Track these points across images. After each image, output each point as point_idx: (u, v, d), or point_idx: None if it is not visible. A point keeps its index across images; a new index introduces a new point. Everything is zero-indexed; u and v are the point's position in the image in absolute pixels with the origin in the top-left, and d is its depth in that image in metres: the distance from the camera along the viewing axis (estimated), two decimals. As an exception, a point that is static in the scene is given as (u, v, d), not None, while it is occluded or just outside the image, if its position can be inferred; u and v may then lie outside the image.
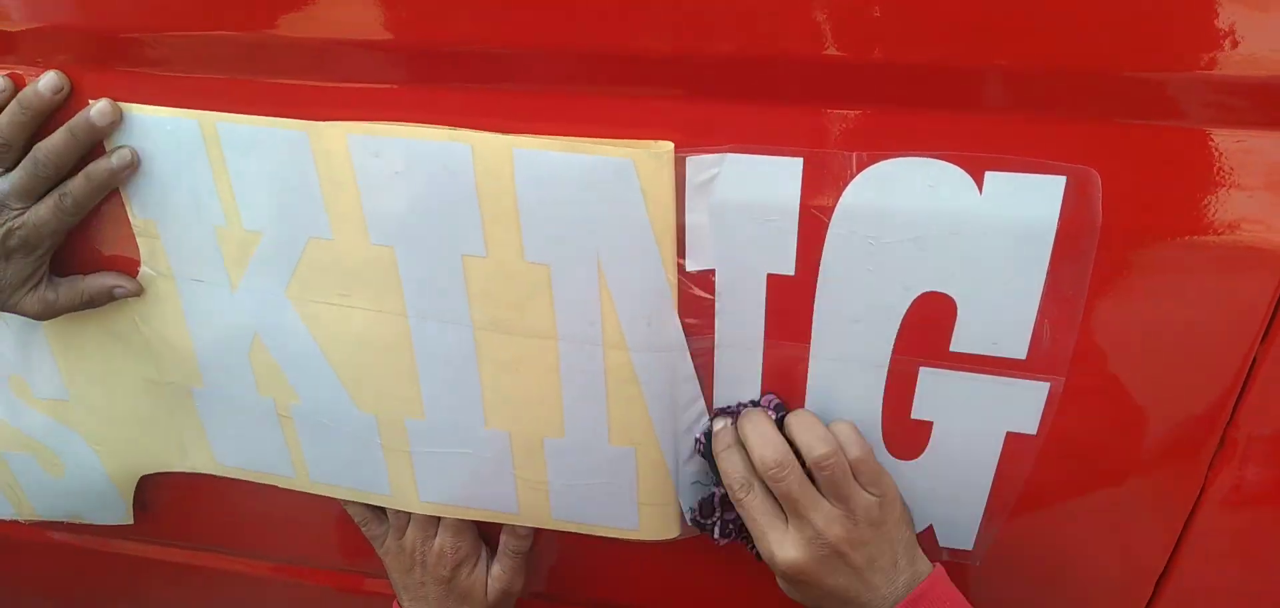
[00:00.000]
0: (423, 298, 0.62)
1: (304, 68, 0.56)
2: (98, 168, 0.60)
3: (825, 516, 0.58)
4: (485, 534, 0.75)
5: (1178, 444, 0.58)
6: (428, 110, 0.56)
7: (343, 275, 0.62)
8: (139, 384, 0.72)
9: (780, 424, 0.60)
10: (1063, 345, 0.54)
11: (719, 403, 0.63)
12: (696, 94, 0.53)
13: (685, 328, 0.60)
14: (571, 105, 0.54)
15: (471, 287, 0.60)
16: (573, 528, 0.71)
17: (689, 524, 0.68)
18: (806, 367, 0.60)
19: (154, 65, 0.59)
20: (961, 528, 0.65)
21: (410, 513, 0.73)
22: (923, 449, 0.61)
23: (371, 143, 0.56)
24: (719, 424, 0.62)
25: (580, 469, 0.67)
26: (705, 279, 0.58)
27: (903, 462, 0.62)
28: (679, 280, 0.58)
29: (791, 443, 0.59)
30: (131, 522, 0.82)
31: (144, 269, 0.66)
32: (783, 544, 0.59)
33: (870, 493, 0.58)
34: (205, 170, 0.60)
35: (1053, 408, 0.57)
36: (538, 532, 0.74)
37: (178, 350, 0.69)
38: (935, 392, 0.58)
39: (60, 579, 0.97)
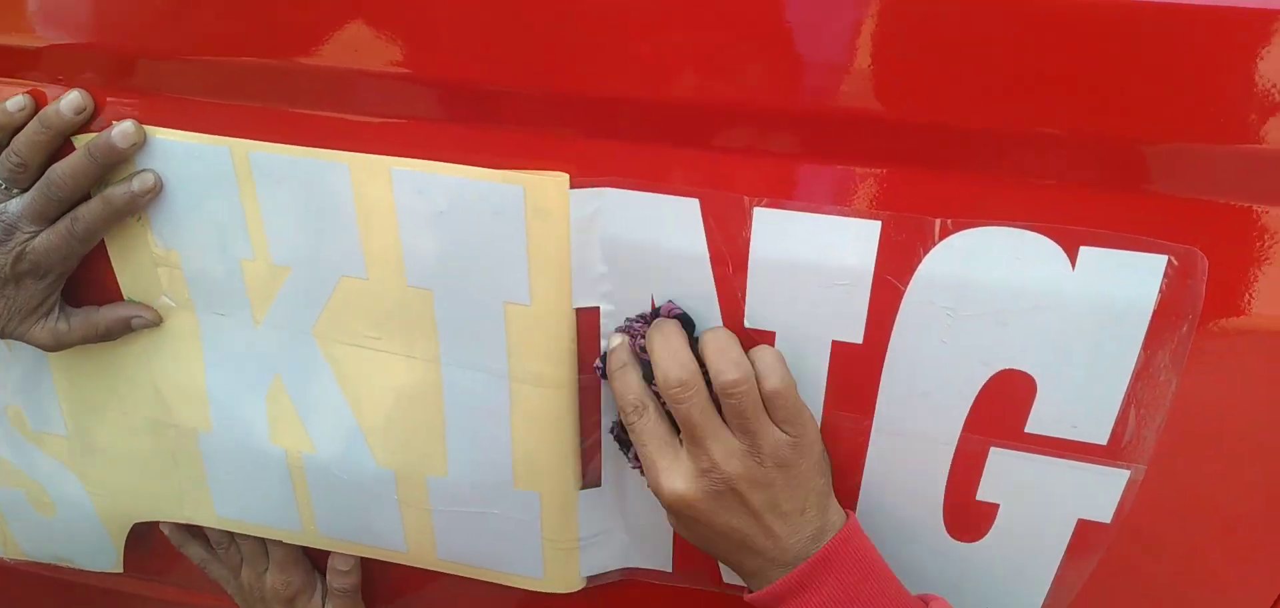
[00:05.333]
0: (458, 345, 0.58)
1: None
2: (116, 192, 0.56)
3: (724, 447, 0.52)
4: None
5: (1259, 542, 0.54)
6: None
7: (375, 317, 0.58)
8: (142, 425, 0.67)
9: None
10: (1148, 432, 0.51)
11: None
12: (766, 150, 0.50)
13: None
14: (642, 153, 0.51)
15: (511, 337, 0.57)
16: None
17: (610, 437, 0.61)
18: (867, 439, 0.56)
19: (180, 89, 0.55)
20: (1020, 616, 0.61)
21: (242, 554, 0.74)
22: (985, 532, 0.58)
23: (416, 179, 0.53)
24: (616, 340, 0.56)
25: (616, 519, 0.63)
26: (765, 340, 0.54)
27: (962, 544, 0.58)
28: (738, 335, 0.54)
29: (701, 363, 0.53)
30: (121, 571, 0.77)
31: (163, 300, 0.61)
32: (671, 473, 0.53)
33: (784, 431, 0.53)
34: (234, 200, 0.56)
35: (1131, 496, 0.53)
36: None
37: (190, 390, 0.64)
38: (1005, 473, 0.55)
39: None
